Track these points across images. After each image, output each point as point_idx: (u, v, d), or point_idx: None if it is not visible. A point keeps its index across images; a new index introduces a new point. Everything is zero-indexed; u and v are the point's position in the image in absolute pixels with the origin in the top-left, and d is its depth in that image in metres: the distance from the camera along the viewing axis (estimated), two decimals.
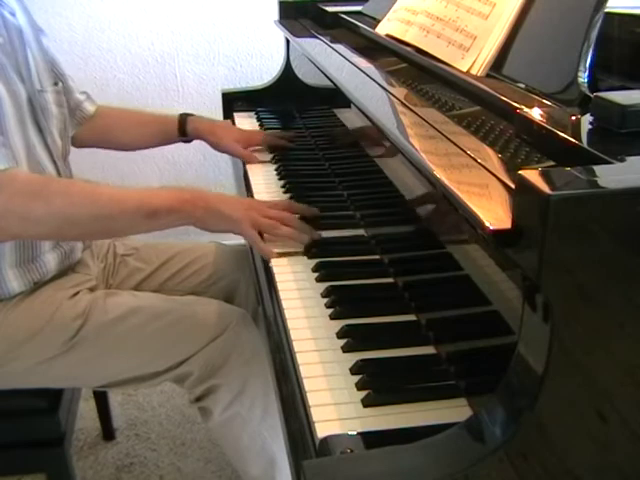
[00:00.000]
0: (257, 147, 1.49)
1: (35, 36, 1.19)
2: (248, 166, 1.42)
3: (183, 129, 1.44)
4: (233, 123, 1.70)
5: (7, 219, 0.98)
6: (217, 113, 1.78)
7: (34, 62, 1.15)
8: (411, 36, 1.10)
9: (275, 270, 1.01)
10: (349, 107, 1.19)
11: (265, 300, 0.98)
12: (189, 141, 1.48)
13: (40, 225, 1.02)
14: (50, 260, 1.15)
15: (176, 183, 2.41)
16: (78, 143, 1.41)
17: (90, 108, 1.41)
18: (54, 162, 1.17)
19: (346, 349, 0.82)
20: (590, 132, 0.67)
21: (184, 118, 1.44)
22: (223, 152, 1.49)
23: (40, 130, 1.13)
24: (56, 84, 1.22)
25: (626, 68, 0.90)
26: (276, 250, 1.05)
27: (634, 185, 0.54)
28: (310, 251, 1.06)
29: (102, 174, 2.31)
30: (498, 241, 0.57)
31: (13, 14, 1.14)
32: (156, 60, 2.32)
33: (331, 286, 0.95)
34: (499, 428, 0.57)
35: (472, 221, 0.60)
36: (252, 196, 1.27)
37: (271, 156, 1.47)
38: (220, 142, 1.45)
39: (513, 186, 0.59)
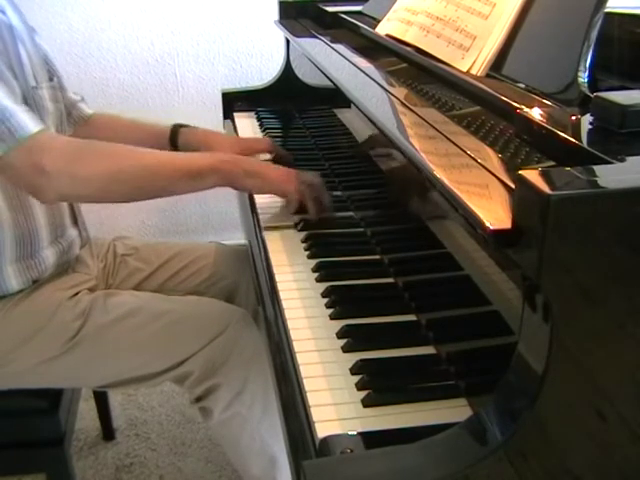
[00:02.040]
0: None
1: (28, 33, 1.19)
2: None
3: (174, 141, 1.34)
4: (233, 123, 1.70)
5: (58, 179, 1.00)
6: (217, 113, 1.78)
7: (28, 58, 1.14)
8: (411, 36, 1.10)
9: (275, 270, 1.02)
10: (349, 107, 1.19)
11: (265, 300, 0.98)
12: None
13: (89, 183, 1.03)
14: (49, 256, 1.15)
15: None
16: None
17: (87, 110, 1.39)
18: None
19: (346, 349, 0.82)
20: (590, 132, 0.67)
21: (176, 129, 1.35)
22: None
23: None
24: (51, 79, 1.22)
25: (626, 68, 0.90)
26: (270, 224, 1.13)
27: (634, 185, 0.54)
28: (310, 251, 1.06)
29: None
30: (498, 241, 0.57)
31: (3, 12, 1.13)
32: (156, 60, 2.31)
33: (331, 286, 0.95)
34: (499, 428, 0.57)
35: (472, 221, 0.60)
36: (252, 199, 1.26)
37: (272, 156, 1.47)
38: None
39: (513, 186, 0.59)
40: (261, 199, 1.23)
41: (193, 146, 1.34)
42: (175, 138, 1.35)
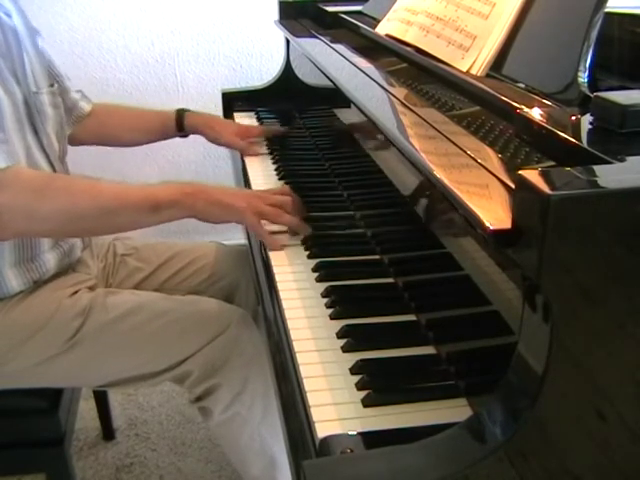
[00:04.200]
0: (255, 139, 1.52)
1: (30, 37, 1.19)
2: (248, 166, 1.42)
3: (181, 124, 1.46)
4: None
5: (12, 216, 0.99)
6: (217, 113, 1.77)
7: (29, 63, 1.15)
8: (411, 36, 1.10)
9: (275, 270, 1.02)
10: (349, 107, 1.19)
11: (265, 300, 0.98)
12: (186, 136, 1.51)
13: (45, 222, 1.02)
14: (50, 259, 1.15)
15: None
16: (75, 141, 1.41)
17: (86, 107, 1.42)
18: (51, 164, 1.17)
19: (346, 349, 0.82)
20: (590, 132, 0.67)
21: (181, 114, 1.46)
22: (222, 145, 1.52)
23: (36, 132, 1.13)
24: (52, 85, 1.22)
25: (626, 68, 0.90)
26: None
27: (634, 185, 0.54)
28: (310, 251, 1.06)
29: (102, 174, 2.28)
30: (498, 241, 0.57)
31: (9, 15, 1.14)
32: (156, 60, 2.31)
33: (331, 286, 0.95)
34: (499, 428, 0.57)
35: (472, 221, 0.60)
36: None
37: (271, 156, 1.48)
38: (218, 136, 1.47)
39: (513, 186, 0.59)
40: None
41: (198, 129, 1.47)
42: (181, 122, 1.46)
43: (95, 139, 1.47)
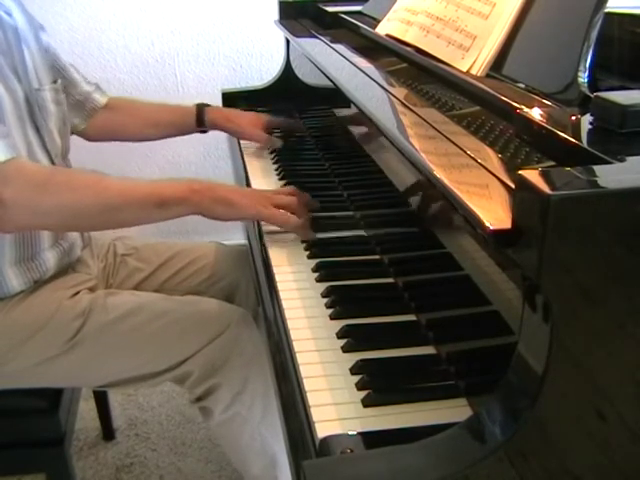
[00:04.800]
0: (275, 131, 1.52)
1: (34, 34, 1.19)
2: (248, 166, 1.43)
3: (201, 120, 1.45)
4: None
5: (15, 210, 0.98)
6: None
7: (32, 61, 1.15)
8: (411, 36, 1.10)
9: (275, 270, 1.02)
10: (349, 107, 1.19)
11: (265, 300, 0.98)
12: (205, 131, 1.49)
13: (47, 217, 1.02)
14: (50, 258, 1.15)
15: None
16: (91, 136, 1.41)
17: (101, 99, 1.41)
18: (52, 161, 1.17)
19: (346, 349, 0.82)
20: (590, 132, 0.67)
21: (201, 109, 1.46)
22: (245, 139, 1.52)
23: (37, 129, 1.13)
24: (55, 82, 1.22)
25: (626, 68, 0.90)
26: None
27: (634, 185, 0.54)
28: (310, 251, 1.06)
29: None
30: (498, 241, 0.57)
31: (9, 14, 1.14)
32: (156, 60, 2.31)
33: (331, 286, 0.95)
34: (499, 428, 0.57)
35: (472, 221, 0.60)
36: None
37: (271, 156, 1.48)
38: (240, 130, 1.48)
39: (513, 186, 0.59)
40: None
41: (219, 124, 1.47)
42: (202, 117, 1.45)
43: (111, 134, 1.46)
